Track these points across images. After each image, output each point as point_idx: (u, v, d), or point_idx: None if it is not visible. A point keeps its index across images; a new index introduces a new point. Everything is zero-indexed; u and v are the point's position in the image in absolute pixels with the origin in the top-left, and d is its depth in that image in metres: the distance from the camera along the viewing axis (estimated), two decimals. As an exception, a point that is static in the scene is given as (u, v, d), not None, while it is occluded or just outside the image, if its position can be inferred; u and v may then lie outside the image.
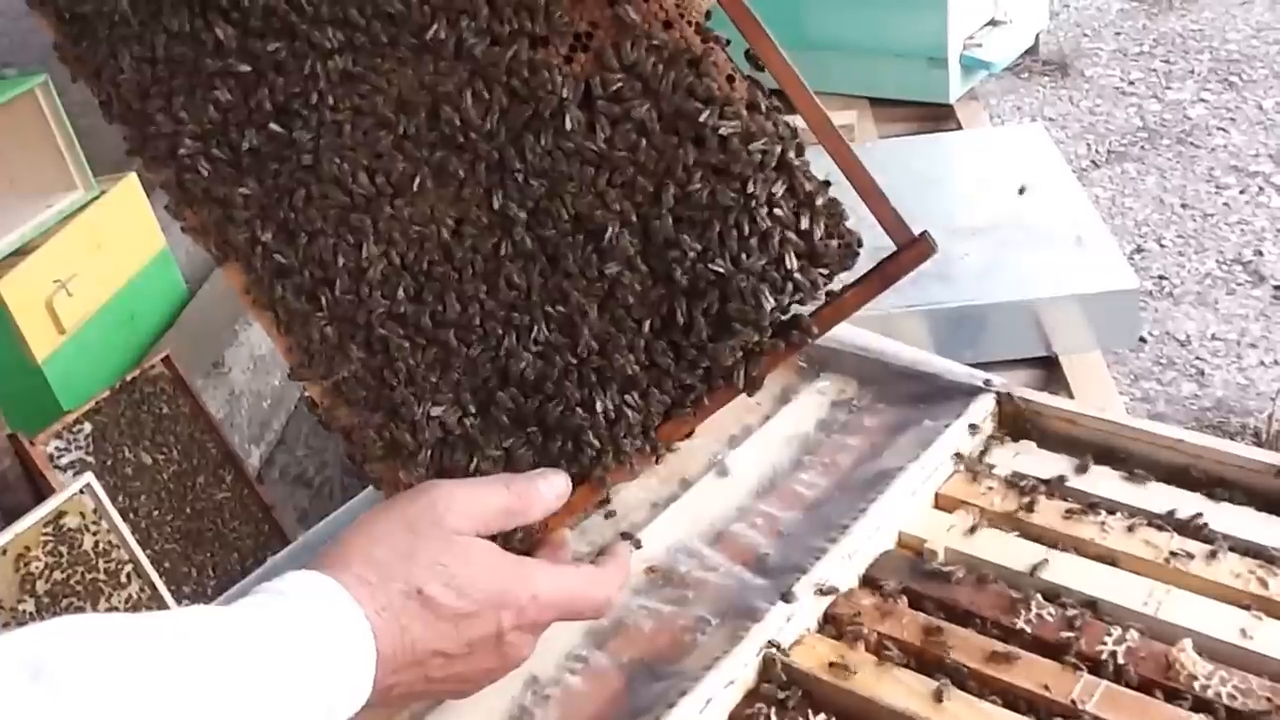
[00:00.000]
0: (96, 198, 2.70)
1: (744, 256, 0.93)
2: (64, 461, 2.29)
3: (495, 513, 0.94)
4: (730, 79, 0.93)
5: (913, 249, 0.94)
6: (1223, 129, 4.21)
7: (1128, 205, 3.81)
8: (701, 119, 0.92)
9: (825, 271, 0.94)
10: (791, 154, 0.93)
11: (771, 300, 0.93)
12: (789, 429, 1.29)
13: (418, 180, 0.98)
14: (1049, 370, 1.95)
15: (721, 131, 0.92)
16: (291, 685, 0.78)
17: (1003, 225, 2.05)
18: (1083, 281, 1.90)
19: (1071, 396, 1.84)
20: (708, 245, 0.93)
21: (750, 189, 0.92)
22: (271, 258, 1.03)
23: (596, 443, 1.00)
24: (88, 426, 2.33)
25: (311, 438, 3.16)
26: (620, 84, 0.93)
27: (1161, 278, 3.43)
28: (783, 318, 0.97)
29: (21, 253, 2.53)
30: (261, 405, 3.09)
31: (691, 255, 0.94)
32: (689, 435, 1.14)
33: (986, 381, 1.24)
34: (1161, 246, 3.45)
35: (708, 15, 0.94)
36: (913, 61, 2.69)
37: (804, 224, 0.93)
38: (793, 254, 0.93)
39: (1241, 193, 3.81)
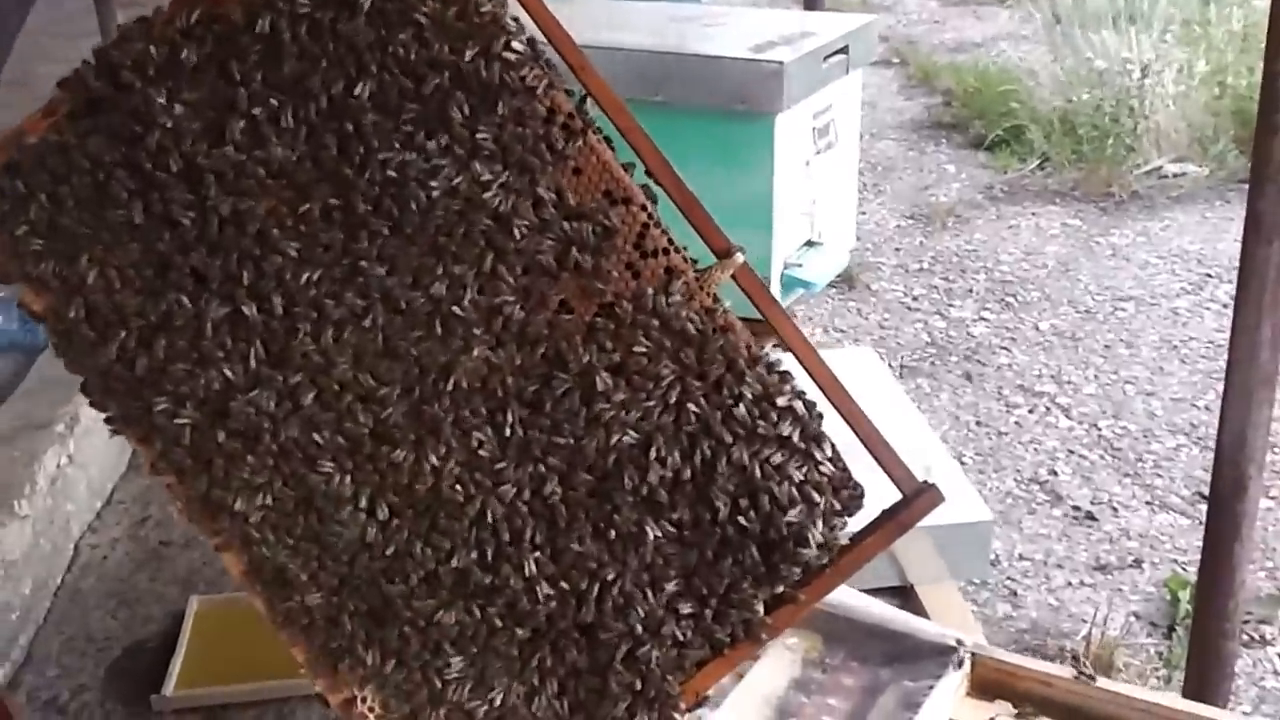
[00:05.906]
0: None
1: (780, 507, 0.95)
2: None
3: None
4: (748, 348, 0.99)
5: (922, 498, 1.00)
6: (1005, 348, 4.39)
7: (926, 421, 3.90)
8: (727, 380, 0.96)
9: (844, 519, 0.99)
10: (813, 410, 0.98)
11: (811, 550, 0.96)
12: (764, 688, 1.27)
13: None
14: (904, 599, 1.92)
15: (746, 392, 0.95)
16: None
17: (845, 450, 2.02)
18: (935, 513, 1.86)
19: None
20: (746, 497, 0.94)
21: (779, 441, 0.95)
22: None
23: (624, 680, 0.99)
24: None
25: (64, 656, 2.85)
26: (646, 351, 0.96)
27: (965, 495, 3.48)
28: (809, 566, 0.97)
29: None
30: (9, 617, 2.78)
31: (726, 508, 0.94)
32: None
33: (958, 641, 1.27)
34: (963, 464, 3.51)
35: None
36: (737, 277, 2.70)
37: (830, 473, 0.98)
38: (825, 502, 0.97)
39: (1030, 412, 3.95)
